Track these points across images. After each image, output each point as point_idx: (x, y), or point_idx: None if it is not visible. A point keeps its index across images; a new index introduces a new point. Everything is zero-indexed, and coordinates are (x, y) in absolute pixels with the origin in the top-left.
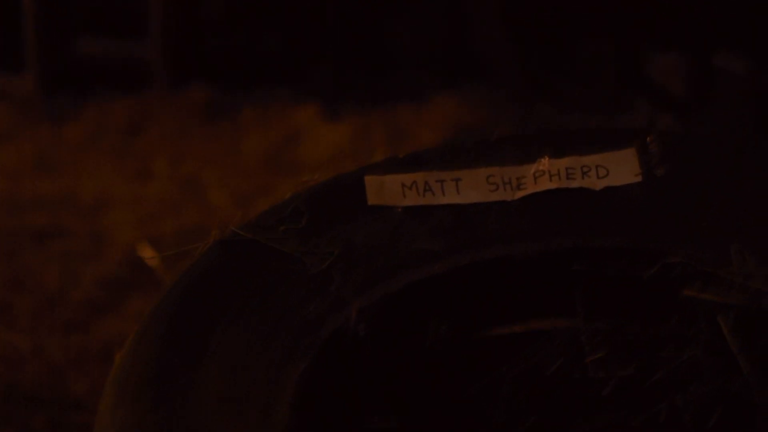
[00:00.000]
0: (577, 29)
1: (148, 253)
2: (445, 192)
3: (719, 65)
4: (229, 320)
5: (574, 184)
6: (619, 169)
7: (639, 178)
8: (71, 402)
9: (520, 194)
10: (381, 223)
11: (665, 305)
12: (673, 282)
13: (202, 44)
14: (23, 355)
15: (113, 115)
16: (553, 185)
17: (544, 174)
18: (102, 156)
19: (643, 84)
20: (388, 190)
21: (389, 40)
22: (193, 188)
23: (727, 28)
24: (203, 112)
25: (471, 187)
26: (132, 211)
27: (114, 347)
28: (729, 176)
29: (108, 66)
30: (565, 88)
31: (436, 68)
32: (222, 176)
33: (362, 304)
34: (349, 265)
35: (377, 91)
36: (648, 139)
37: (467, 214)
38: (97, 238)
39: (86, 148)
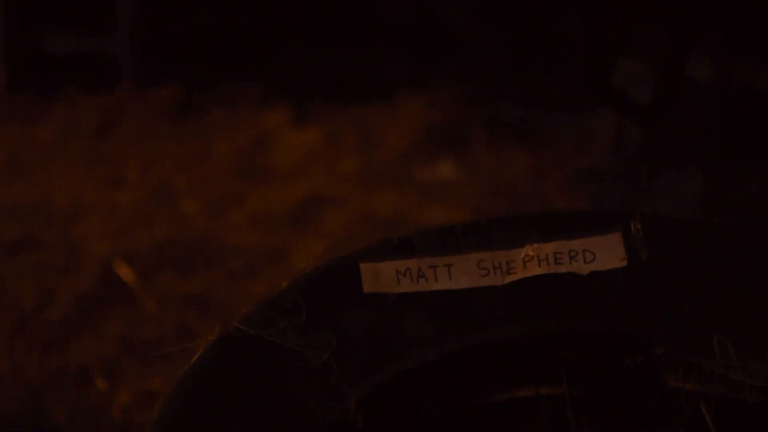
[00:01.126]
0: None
1: (124, 271)
2: (438, 278)
3: (686, 72)
4: (234, 415)
5: (562, 269)
6: (605, 253)
7: (624, 263)
8: (49, 428)
9: (510, 279)
10: (376, 311)
11: (649, 386)
12: (657, 369)
13: (170, 36)
14: (1, 376)
15: (82, 115)
16: (542, 270)
17: (533, 258)
18: (73, 159)
19: (608, 90)
20: (383, 277)
21: (361, 17)
22: (165, 196)
23: (692, 34)
24: (172, 112)
25: (463, 273)
26: (105, 221)
27: (92, 369)
28: (713, 262)
29: (76, 63)
30: (532, 77)
31: (406, 46)
32: (193, 183)
33: (360, 394)
34: (346, 355)
35: (346, 87)
36: (632, 224)
37: (459, 300)
38: (72, 250)
39: (57, 151)
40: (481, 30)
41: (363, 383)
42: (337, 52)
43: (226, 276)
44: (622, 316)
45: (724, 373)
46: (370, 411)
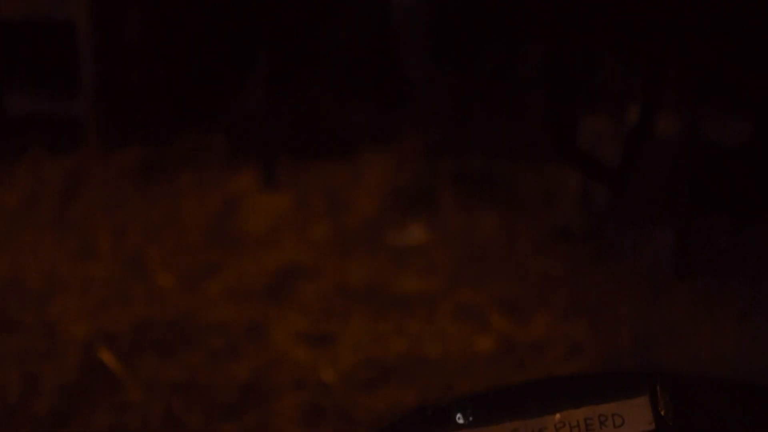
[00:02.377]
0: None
1: (106, 356)
2: None
3: (651, 129)
4: None
5: None
6: (633, 417)
7: (652, 426)
8: None
9: None
10: None
11: None
12: None
13: (131, 94)
14: None
15: (47, 178)
16: None
17: (564, 425)
18: (41, 227)
19: (573, 150)
20: None
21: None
22: (139, 268)
23: (658, 91)
24: (138, 174)
25: None
26: (81, 298)
27: None
28: (741, 425)
29: (39, 124)
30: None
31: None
32: (166, 253)
33: None
34: None
35: (310, 143)
36: (658, 386)
37: None
38: (51, 332)
39: (24, 218)
40: (441, 77)
41: None
42: (296, 100)
43: (208, 357)
44: None
45: None
46: None
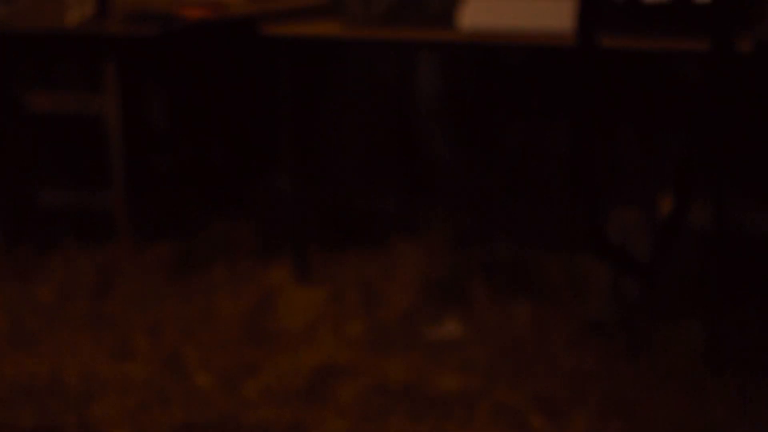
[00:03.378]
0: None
1: None
2: None
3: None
4: None
5: None
6: None
7: None
8: None
9: None
10: None
11: None
12: None
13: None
14: None
15: (80, 272)
16: None
17: None
18: (77, 324)
19: (603, 242)
20: None
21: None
22: (177, 368)
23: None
24: (172, 268)
25: None
26: (121, 400)
27: None
28: None
29: (71, 217)
30: (525, 215)
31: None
32: (203, 351)
33: None
34: None
35: (340, 231)
36: None
37: None
38: None
39: (59, 314)
40: (466, 160)
41: None
42: (323, 187)
43: None
44: None
45: None
46: None
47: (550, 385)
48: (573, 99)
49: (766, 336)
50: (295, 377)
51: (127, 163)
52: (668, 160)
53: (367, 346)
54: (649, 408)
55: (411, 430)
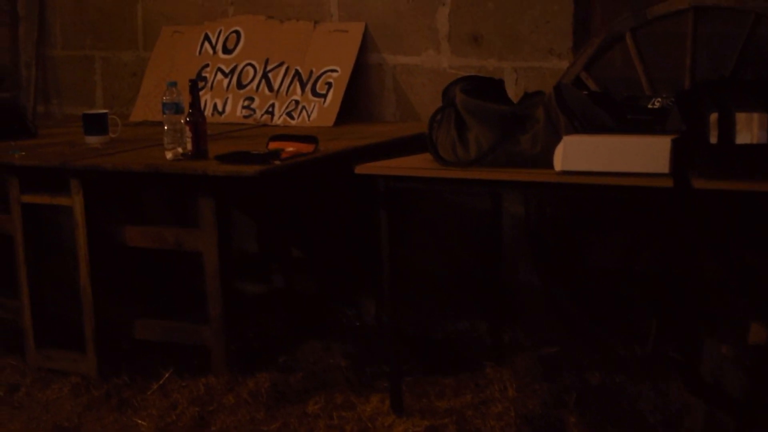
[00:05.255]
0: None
1: None
2: None
3: None
4: None
5: None
6: None
7: None
8: None
9: None
10: None
11: None
12: None
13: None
14: None
15: (178, 405)
16: None
17: None
18: None
19: (696, 379)
20: None
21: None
22: None
23: None
24: (268, 400)
25: None
26: None
27: None
28: None
29: (167, 349)
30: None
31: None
32: None
33: None
34: None
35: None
36: None
37: None
38: None
39: None
40: (549, 283)
41: None
42: (414, 313)
43: None
44: None
45: None
46: None
47: None
48: (665, 234)
49: None
50: None
51: (224, 298)
52: (758, 287)
53: None
54: None
55: None
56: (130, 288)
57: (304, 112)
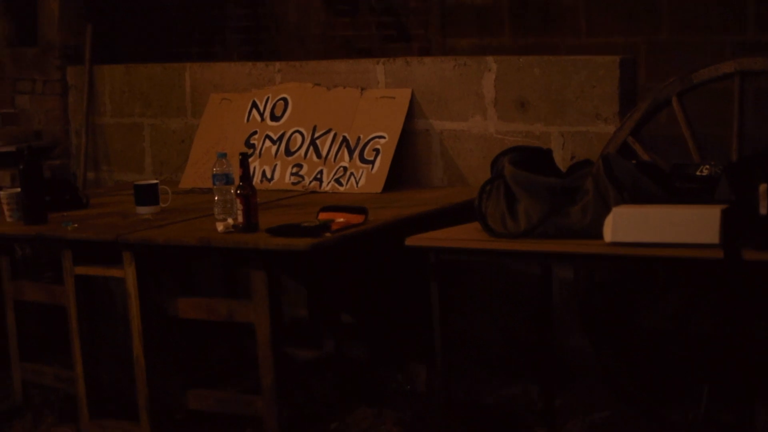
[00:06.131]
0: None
1: None
2: None
3: None
4: None
5: None
6: None
7: None
8: None
9: None
10: None
11: None
12: None
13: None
14: None
15: None
16: None
17: None
18: None
19: None
20: None
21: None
22: None
23: None
24: None
25: None
26: None
27: None
28: None
29: (219, 420)
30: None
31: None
32: None
33: None
34: None
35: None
36: None
37: None
38: None
39: None
40: (601, 354)
41: None
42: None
43: None
44: None
45: None
46: None
47: None
48: (717, 301)
49: None
50: None
51: (275, 368)
52: None
53: None
54: None
55: None
56: (181, 356)
57: (352, 178)
